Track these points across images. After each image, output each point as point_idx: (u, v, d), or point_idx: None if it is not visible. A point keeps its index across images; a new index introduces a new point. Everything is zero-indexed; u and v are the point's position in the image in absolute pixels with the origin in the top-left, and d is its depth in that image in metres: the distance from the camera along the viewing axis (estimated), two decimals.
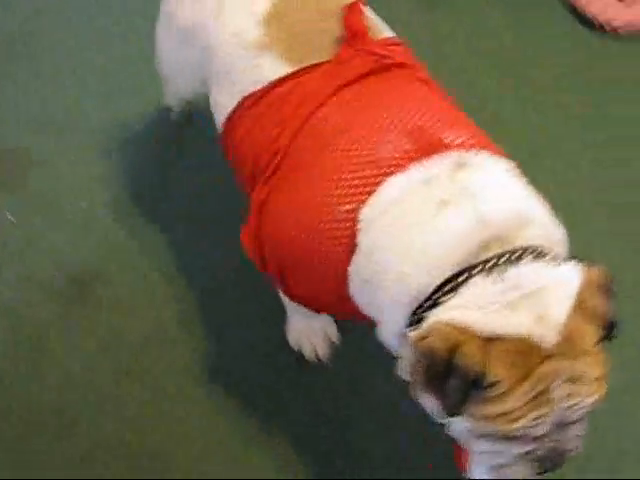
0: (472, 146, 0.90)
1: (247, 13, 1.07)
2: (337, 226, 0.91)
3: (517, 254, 0.80)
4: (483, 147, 0.91)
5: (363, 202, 0.88)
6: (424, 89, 1.03)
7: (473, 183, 0.86)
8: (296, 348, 1.30)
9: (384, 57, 1.03)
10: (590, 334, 0.78)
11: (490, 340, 0.76)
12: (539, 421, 0.76)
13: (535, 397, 0.75)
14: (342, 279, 0.92)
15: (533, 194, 0.91)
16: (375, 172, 0.88)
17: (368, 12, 1.10)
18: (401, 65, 1.04)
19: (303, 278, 1.00)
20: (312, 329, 1.28)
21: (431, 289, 0.82)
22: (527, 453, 0.80)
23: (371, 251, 0.88)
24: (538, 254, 0.82)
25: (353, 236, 0.89)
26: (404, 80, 1.03)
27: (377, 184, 0.88)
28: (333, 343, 1.30)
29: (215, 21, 1.10)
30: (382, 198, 0.87)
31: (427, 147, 0.88)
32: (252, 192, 1.04)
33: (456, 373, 0.75)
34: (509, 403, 0.75)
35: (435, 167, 0.87)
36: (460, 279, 0.80)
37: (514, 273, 0.79)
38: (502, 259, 0.80)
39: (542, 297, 0.77)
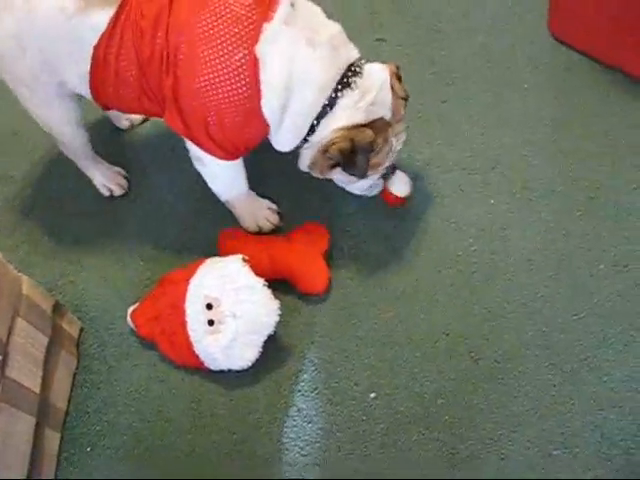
0: None
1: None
2: (237, 71, 1.23)
3: (353, 69, 1.30)
4: None
5: (251, 47, 1.21)
6: None
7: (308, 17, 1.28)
8: (255, 229, 1.61)
9: None
10: (400, 106, 1.38)
11: (365, 125, 1.32)
12: (391, 159, 1.44)
13: (389, 150, 1.40)
14: (256, 113, 1.28)
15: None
16: (242, 26, 1.21)
17: None
18: None
19: (225, 121, 1.31)
20: (257, 207, 1.60)
21: (321, 106, 1.29)
22: (383, 175, 1.48)
23: (276, 85, 1.24)
24: (359, 66, 1.32)
25: (256, 74, 1.23)
26: None
27: (253, 31, 1.21)
28: (277, 211, 1.63)
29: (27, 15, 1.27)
30: (265, 39, 1.22)
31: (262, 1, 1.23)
32: (157, 87, 1.31)
33: (362, 151, 1.32)
34: (380, 156, 1.39)
35: (278, 13, 1.22)
36: (334, 95, 1.28)
37: (360, 83, 1.30)
38: (349, 76, 1.29)
39: (379, 93, 1.32)
